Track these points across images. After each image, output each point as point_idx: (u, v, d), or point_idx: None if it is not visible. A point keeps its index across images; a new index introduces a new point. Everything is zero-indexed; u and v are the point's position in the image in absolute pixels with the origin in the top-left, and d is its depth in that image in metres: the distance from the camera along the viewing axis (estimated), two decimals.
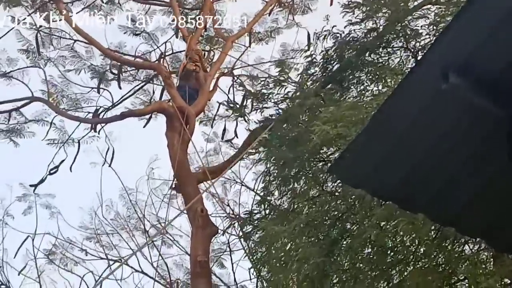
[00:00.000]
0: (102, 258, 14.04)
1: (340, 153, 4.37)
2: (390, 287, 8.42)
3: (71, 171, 12.48)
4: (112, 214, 14.48)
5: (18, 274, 13.81)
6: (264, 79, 12.22)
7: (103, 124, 12.54)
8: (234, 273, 13.71)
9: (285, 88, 10.93)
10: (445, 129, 3.93)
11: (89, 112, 12.67)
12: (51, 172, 12.44)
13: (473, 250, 8.37)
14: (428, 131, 3.94)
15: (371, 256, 8.37)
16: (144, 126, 11.96)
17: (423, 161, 4.03)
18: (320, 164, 9.69)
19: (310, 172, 9.66)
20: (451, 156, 4.03)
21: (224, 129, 13.22)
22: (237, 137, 12.71)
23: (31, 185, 13.03)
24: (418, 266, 8.35)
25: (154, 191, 14.15)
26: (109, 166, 12.63)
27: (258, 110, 11.76)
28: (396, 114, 3.90)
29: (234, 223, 12.85)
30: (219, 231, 11.44)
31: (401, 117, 3.89)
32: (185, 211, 10.62)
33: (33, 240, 13.74)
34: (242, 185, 13.26)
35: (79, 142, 12.68)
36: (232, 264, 13.70)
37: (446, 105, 3.81)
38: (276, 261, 8.79)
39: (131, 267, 13.77)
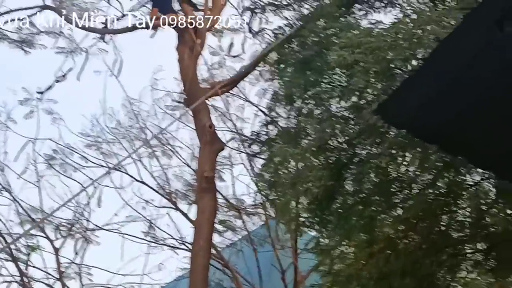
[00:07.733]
0: (102, 166, 14.19)
1: (388, 96, 4.41)
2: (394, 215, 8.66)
3: (78, 80, 12.35)
4: (113, 123, 14.52)
5: (18, 178, 14.05)
6: None
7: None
8: (233, 186, 14.01)
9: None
10: (495, 77, 3.98)
11: (102, 22, 12.44)
12: (58, 79, 12.35)
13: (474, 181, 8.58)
14: (477, 79, 3.99)
15: (376, 182, 8.53)
16: (151, 37, 11.82)
17: (469, 107, 4.10)
18: (329, 86, 9.67)
19: (317, 93, 9.64)
20: (498, 104, 4.10)
21: (231, 44, 13.07)
22: (244, 52, 12.58)
23: (38, 92, 12.95)
24: (421, 194, 8.55)
25: (156, 101, 14.16)
26: (117, 77, 12.59)
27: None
28: (447, 60, 3.94)
29: (236, 138, 12.99)
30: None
31: (452, 63, 3.93)
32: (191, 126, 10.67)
33: (34, 144, 13.96)
34: (247, 101, 13.31)
35: (87, 51, 12.53)
36: (232, 177, 13.98)
37: (498, 54, 3.85)
38: (284, 182, 8.92)
39: (131, 176, 13.98)
